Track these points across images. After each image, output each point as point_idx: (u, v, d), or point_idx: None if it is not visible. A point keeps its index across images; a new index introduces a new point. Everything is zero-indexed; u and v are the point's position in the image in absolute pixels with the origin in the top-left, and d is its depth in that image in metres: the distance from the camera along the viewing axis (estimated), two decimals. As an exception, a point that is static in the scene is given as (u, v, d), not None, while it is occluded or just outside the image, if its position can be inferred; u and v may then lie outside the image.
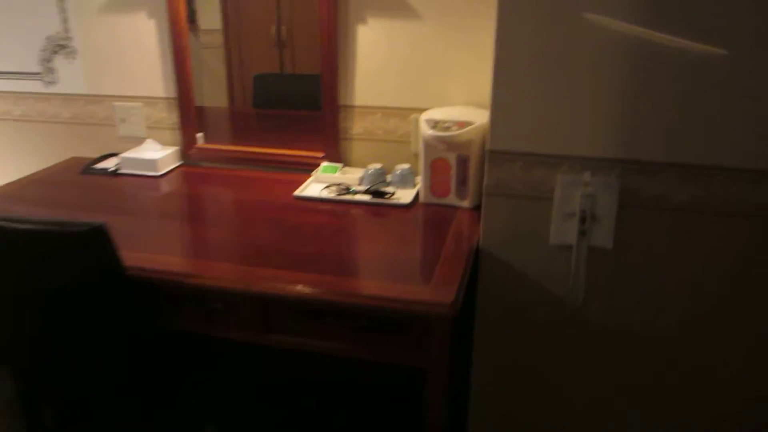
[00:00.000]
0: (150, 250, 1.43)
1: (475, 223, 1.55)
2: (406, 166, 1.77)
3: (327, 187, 1.74)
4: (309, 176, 1.83)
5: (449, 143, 1.56)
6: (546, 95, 1.31)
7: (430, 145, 1.59)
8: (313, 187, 1.78)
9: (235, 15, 2.27)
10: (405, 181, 1.76)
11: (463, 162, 1.60)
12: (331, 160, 1.89)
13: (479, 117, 1.58)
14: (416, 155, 1.82)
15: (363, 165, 1.86)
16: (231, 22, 2.28)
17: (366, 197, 1.69)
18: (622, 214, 1.35)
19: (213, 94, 2.49)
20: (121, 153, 2.00)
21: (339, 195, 1.71)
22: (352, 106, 1.83)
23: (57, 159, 2.15)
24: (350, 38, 1.76)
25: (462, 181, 1.62)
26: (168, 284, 1.34)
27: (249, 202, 1.73)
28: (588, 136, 1.32)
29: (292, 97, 2.16)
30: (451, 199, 1.65)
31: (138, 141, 2.04)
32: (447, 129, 1.54)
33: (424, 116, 1.62)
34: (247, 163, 1.97)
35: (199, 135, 2.07)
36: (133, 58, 1.98)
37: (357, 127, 1.85)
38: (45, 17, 1.99)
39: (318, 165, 1.87)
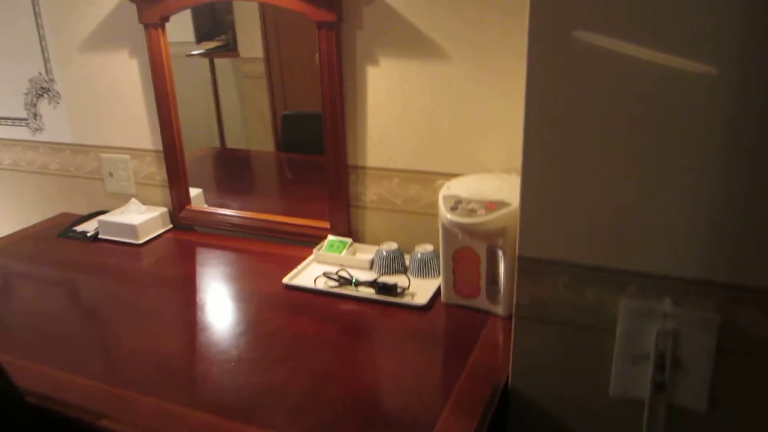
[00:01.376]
0: (68, 365, 1.10)
1: (508, 338, 1.12)
2: (428, 248, 1.36)
3: (325, 274, 1.35)
4: (311, 252, 1.46)
5: (474, 232, 1.14)
6: (603, 182, 0.87)
7: (450, 232, 1.17)
8: (309, 272, 1.40)
9: (276, 41, 1.97)
10: (426, 268, 1.35)
11: (494, 255, 1.17)
12: (338, 233, 1.50)
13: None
14: (444, 232, 1.41)
15: (377, 241, 1.47)
16: (272, 48, 1.98)
17: (370, 291, 1.29)
18: (722, 361, 0.88)
19: (256, 133, 2.26)
20: (108, 212, 1.72)
21: (337, 287, 1.32)
22: (364, 168, 1.44)
23: (52, 212, 1.90)
24: (357, 82, 1.38)
25: (494, 280, 1.19)
26: (74, 421, 1.00)
27: (227, 290, 1.37)
28: (668, 245, 0.86)
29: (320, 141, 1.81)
30: (481, 302, 1.22)
31: (127, 198, 1.74)
32: (471, 212, 1.12)
33: (444, 191, 1.21)
34: (245, 230, 1.62)
35: (197, 192, 1.75)
36: (118, 104, 1.68)
37: (370, 193, 1.46)
38: (27, 56, 1.74)
39: (325, 237, 1.49)
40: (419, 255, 1.35)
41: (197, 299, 1.33)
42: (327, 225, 1.52)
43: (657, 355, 0.90)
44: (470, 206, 1.13)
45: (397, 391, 1.01)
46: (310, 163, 2.13)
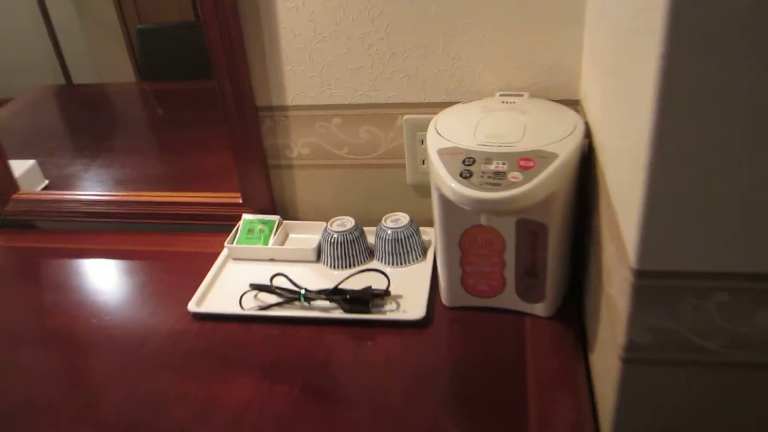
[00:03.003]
0: None
1: (569, 358, 0.72)
2: (401, 219, 0.91)
3: (254, 286, 0.87)
4: (226, 241, 0.97)
5: (511, 210, 0.69)
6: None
7: (455, 208, 0.71)
8: (226, 280, 0.92)
9: None
10: (403, 249, 0.90)
11: (531, 234, 0.74)
12: (257, 209, 1.01)
13: (560, 131, 0.71)
14: (415, 187, 0.96)
15: (320, 215, 1.00)
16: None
17: (329, 306, 0.84)
18: None
19: (109, 59, 1.75)
20: None
21: (275, 305, 0.85)
22: (283, 108, 0.93)
23: None
24: (257, -27, 0.84)
25: (530, 270, 0.77)
26: None
27: (94, 335, 0.86)
28: None
29: (202, 65, 1.27)
30: (507, 300, 0.80)
31: None
32: (498, 179, 0.67)
33: (434, 139, 0.74)
34: (113, 219, 1.09)
35: (28, 167, 1.18)
36: None
37: (299, 144, 0.96)
38: None
39: (239, 218, 1.00)
40: (389, 232, 0.90)
41: (38, 364, 0.81)
42: (238, 197, 1.02)
43: None
44: (493, 167, 0.68)
45: None
46: (191, 93, 1.59)
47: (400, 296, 0.84)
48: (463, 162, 0.68)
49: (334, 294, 0.83)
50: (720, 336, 0.54)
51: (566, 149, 0.68)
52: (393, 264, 0.90)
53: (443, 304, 0.83)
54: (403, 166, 0.94)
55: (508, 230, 0.75)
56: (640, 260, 0.51)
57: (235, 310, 0.84)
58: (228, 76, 0.89)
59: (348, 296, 0.82)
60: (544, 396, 0.68)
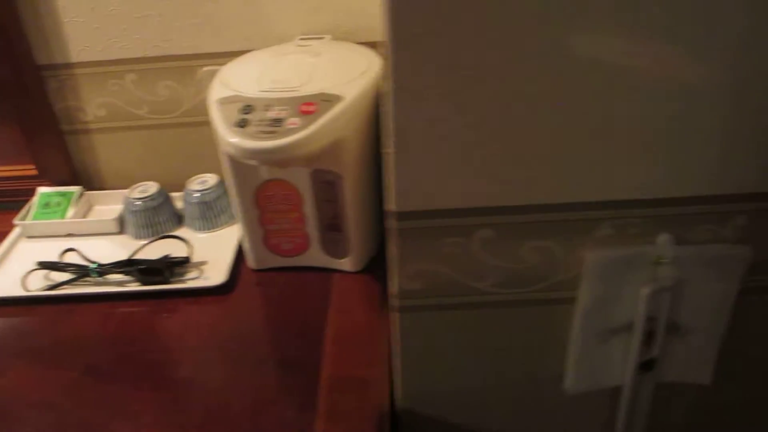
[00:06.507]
0: None
1: (372, 312, 0.69)
2: (209, 180, 0.85)
3: (41, 263, 0.78)
4: (16, 217, 0.86)
5: (289, 160, 0.64)
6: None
7: (242, 163, 0.66)
8: (16, 263, 0.82)
9: None
10: (212, 213, 0.84)
11: (327, 185, 0.70)
12: (56, 181, 0.91)
13: (351, 72, 0.67)
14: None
15: (126, 182, 0.91)
16: None
17: (124, 279, 0.76)
18: (741, 307, 0.54)
19: None
20: None
21: (65, 284, 0.76)
22: (68, 65, 0.84)
23: None
24: None
25: (331, 224, 0.73)
26: None
27: None
28: (659, 157, 0.46)
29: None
30: (314, 257, 0.76)
31: None
32: (276, 126, 0.62)
33: (218, 89, 0.68)
34: None
35: None
36: None
37: (92, 105, 0.87)
38: None
39: (33, 192, 0.90)
40: (196, 194, 0.83)
41: None
42: (33, 169, 0.92)
43: (645, 324, 0.53)
44: (270, 113, 0.63)
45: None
46: None
47: (204, 263, 0.78)
48: (241, 110, 0.63)
49: (129, 266, 0.76)
50: (488, 275, 0.52)
51: (353, 91, 0.64)
52: (203, 229, 0.84)
53: (251, 267, 0.78)
54: (209, 123, 0.87)
55: (303, 183, 0.70)
56: (399, 201, 0.48)
57: (17, 292, 0.75)
58: (-6, 30, 0.78)
59: (142, 267, 0.75)
60: (340, 353, 0.65)
